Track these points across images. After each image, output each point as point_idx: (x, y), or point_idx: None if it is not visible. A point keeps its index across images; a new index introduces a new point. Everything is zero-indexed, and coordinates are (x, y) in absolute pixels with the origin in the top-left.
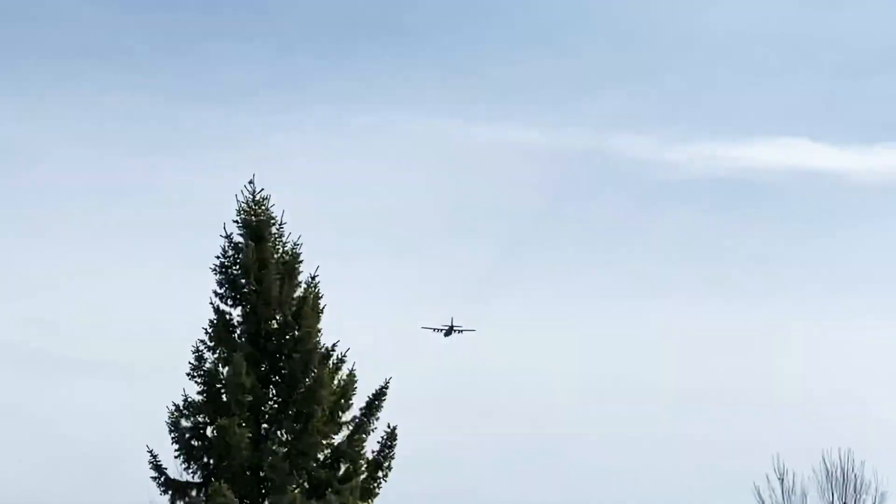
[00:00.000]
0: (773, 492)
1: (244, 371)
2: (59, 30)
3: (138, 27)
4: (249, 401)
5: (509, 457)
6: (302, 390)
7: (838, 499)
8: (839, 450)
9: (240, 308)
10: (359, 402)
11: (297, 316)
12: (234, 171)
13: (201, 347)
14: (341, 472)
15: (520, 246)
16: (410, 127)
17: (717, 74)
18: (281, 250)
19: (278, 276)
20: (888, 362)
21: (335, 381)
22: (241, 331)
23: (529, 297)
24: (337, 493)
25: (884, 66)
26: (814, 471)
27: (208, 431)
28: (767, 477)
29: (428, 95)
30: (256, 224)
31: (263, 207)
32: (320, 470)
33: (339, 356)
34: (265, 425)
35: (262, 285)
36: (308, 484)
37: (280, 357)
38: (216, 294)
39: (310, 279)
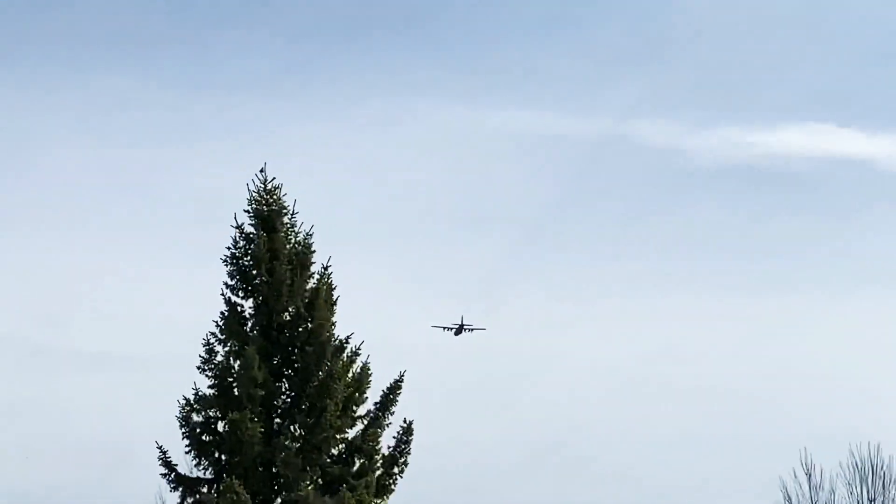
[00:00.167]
0: (801, 487)
1: (256, 364)
2: (63, 19)
3: (144, 16)
4: (261, 395)
5: (524, 456)
6: (315, 384)
7: (867, 494)
8: (868, 444)
9: (251, 300)
10: (373, 396)
11: (310, 308)
12: (245, 160)
13: (212, 340)
14: (356, 468)
15: (536, 238)
16: (424, 115)
17: (741, 59)
18: (293, 241)
19: (290, 267)
20: None
21: (349, 374)
22: (252, 323)
23: (544, 292)
24: (351, 489)
25: None
26: (841, 466)
27: (220, 426)
28: (794, 472)
29: (442, 83)
30: (268, 214)
31: (275, 197)
32: (334, 465)
33: (353, 349)
34: (278, 420)
35: (274, 276)
36: (322, 479)
37: (293, 350)
38: (227, 286)
39: (322, 270)
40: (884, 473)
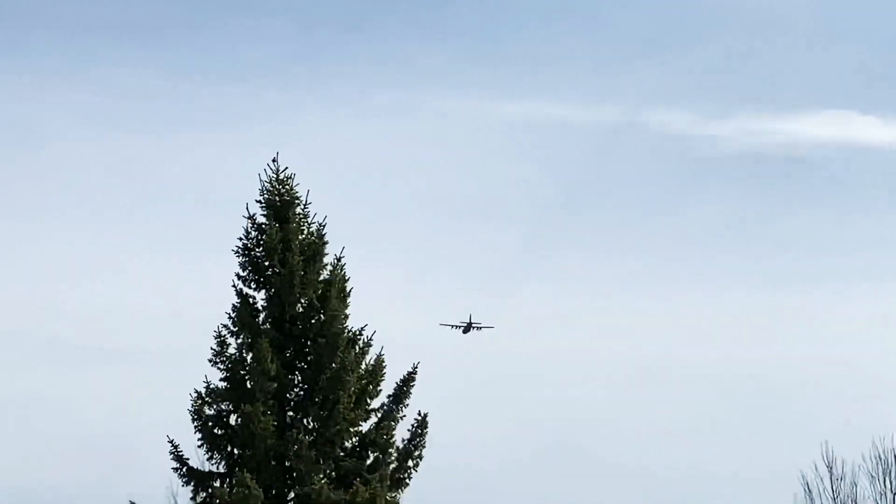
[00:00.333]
0: (822, 481)
1: (269, 357)
2: (76, 6)
3: (155, 4)
4: (274, 387)
5: (536, 452)
6: (328, 376)
7: (890, 486)
8: (892, 436)
9: (263, 291)
10: (386, 389)
11: (323, 299)
12: (256, 149)
13: (224, 332)
14: (369, 461)
15: (547, 232)
16: (438, 103)
17: (760, 45)
18: (306, 231)
19: (303, 258)
20: None
21: (362, 366)
22: (265, 315)
23: (559, 284)
24: (365, 482)
25: None
26: (864, 458)
27: (232, 419)
28: (815, 465)
29: (456, 70)
30: (280, 204)
31: (287, 187)
32: (348, 459)
33: (366, 340)
34: (290, 413)
35: (287, 268)
36: (335, 473)
37: (305, 342)
38: (239, 277)
39: (335, 261)
40: None
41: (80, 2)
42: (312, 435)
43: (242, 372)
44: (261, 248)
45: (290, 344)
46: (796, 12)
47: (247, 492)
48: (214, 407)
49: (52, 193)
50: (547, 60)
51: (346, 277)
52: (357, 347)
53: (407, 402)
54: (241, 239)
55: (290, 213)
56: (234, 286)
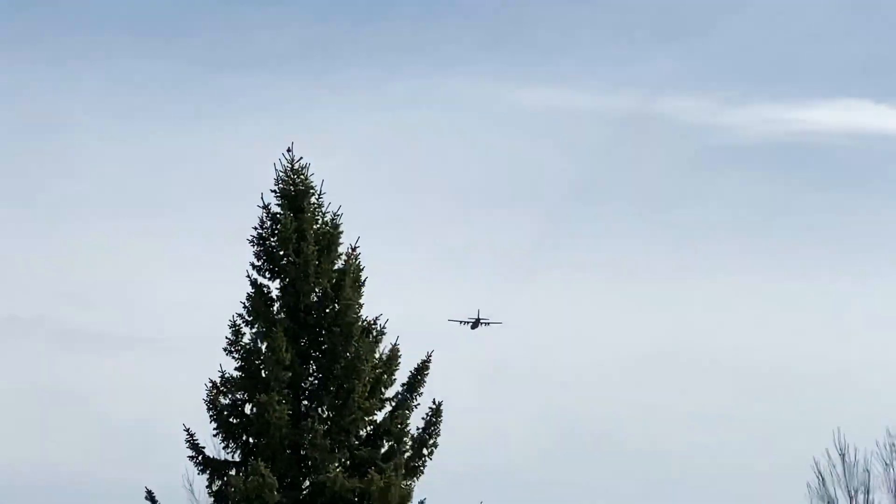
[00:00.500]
0: (835, 468)
1: (284, 346)
2: None
3: None
4: (289, 377)
5: (554, 438)
6: (342, 365)
7: None
8: None
9: (278, 281)
10: (400, 378)
11: (337, 288)
12: (271, 139)
13: (239, 322)
14: (384, 450)
15: (565, 215)
16: (453, 92)
17: (774, 33)
18: (320, 221)
19: (317, 248)
20: None
21: (376, 355)
22: (279, 304)
23: (575, 271)
24: (380, 471)
25: None
26: (878, 445)
27: (247, 409)
28: (828, 453)
29: (471, 59)
30: (295, 194)
31: (302, 177)
32: (362, 447)
33: (380, 329)
34: (305, 402)
35: (301, 257)
36: (349, 462)
37: (320, 331)
38: (254, 266)
39: (350, 250)
40: None
41: None
42: (327, 424)
43: (257, 361)
44: (275, 238)
45: (304, 333)
46: (812, 1)
47: (262, 480)
48: (230, 396)
49: (73, 183)
50: (563, 48)
51: (361, 267)
52: (371, 336)
53: (421, 390)
54: (255, 228)
55: (305, 203)
56: (248, 276)
